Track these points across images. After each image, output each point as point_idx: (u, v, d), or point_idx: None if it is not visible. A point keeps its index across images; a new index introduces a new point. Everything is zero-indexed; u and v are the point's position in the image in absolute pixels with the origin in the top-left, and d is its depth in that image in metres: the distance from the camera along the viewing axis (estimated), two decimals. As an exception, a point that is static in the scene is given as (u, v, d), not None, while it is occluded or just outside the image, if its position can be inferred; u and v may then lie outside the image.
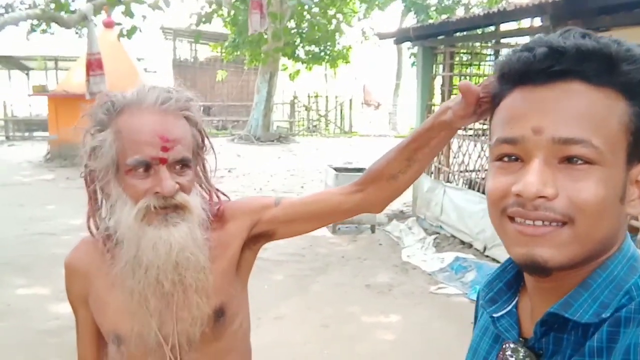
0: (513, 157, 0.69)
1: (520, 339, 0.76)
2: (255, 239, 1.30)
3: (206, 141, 1.24)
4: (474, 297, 5.07)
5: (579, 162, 0.64)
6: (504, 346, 0.77)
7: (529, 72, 0.68)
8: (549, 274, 0.68)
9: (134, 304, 1.16)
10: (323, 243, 6.88)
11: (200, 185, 1.25)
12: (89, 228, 1.24)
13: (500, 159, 0.71)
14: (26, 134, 19.07)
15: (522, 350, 0.73)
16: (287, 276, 5.73)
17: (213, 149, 1.28)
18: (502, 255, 5.78)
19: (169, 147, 1.10)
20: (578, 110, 0.65)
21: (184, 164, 1.14)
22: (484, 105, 0.92)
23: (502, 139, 0.70)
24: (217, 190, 1.30)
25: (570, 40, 0.66)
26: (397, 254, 6.52)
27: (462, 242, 6.57)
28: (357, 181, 1.26)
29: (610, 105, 0.65)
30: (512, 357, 0.74)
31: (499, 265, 0.83)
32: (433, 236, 6.91)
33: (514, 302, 0.80)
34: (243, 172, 12.17)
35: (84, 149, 1.17)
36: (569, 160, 0.65)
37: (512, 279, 0.81)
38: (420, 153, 1.14)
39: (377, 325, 4.64)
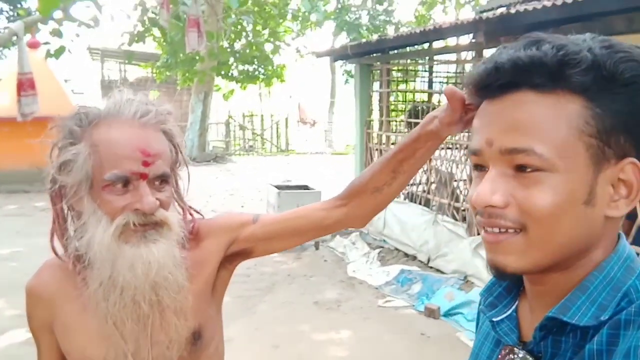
0: (484, 168, 0.71)
1: (520, 342, 0.75)
2: (232, 258, 1.25)
3: (180, 156, 1.18)
4: (421, 308, 5.16)
5: (528, 170, 0.65)
6: (503, 350, 0.76)
7: (480, 87, 0.71)
8: (511, 278, 0.71)
9: (107, 328, 1.09)
10: (268, 262, 6.80)
11: (177, 204, 1.19)
12: (53, 249, 1.15)
13: (475, 168, 0.73)
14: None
15: (521, 354, 0.73)
16: (233, 297, 5.61)
17: (187, 165, 1.22)
18: (446, 266, 5.90)
19: (150, 162, 1.05)
20: (521, 119, 0.66)
21: (163, 179, 1.08)
22: (470, 113, 0.92)
23: (470, 150, 0.73)
24: (191, 207, 1.24)
25: (508, 54, 0.67)
26: (343, 269, 6.53)
27: (406, 255, 6.66)
28: (339, 195, 1.23)
29: (559, 110, 0.65)
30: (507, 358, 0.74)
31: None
32: (377, 250, 6.97)
33: (513, 306, 0.80)
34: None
35: (53, 164, 1.08)
36: (520, 169, 0.66)
37: (511, 283, 0.81)
38: (406, 164, 1.12)
39: (328, 342, 4.61)
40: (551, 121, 0.65)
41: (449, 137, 1.12)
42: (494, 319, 0.79)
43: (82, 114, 1.08)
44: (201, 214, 1.27)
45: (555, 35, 0.68)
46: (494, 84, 0.68)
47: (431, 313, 4.97)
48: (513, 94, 0.67)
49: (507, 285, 0.81)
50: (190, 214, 1.23)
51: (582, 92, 0.65)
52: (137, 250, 1.05)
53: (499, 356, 0.77)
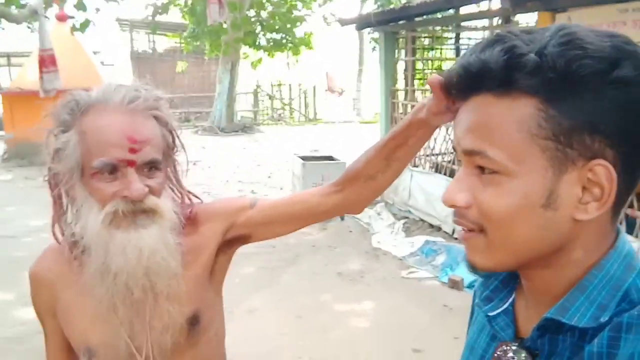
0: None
1: (517, 338, 0.74)
2: (230, 243, 1.25)
3: (177, 141, 1.18)
4: (445, 279, 5.16)
5: (486, 171, 0.66)
6: (499, 345, 0.76)
7: (451, 89, 0.73)
8: (482, 275, 0.73)
9: (103, 312, 1.11)
10: (293, 233, 6.83)
11: (172, 188, 1.20)
12: (54, 235, 1.17)
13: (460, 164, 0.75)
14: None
15: (517, 350, 0.72)
16: (258, 268, 5.69)
17: (184, 149, 1.22)
18: (471, 236, 5.84)
19: (137, 149, 1.05)
20: (477, 121, 0.66)
21: (153, 166, 1.08)
22: (458, 102, 0.90)
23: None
24: (189, 192, 1.24)
25: (464, 58, 0.67)
26: (368, 240, 6.54)
27: (431, 226, 6.63)
28: (335, 181, 1.22)
29: (510, 113, 0.63)
30: (507, 356, 0.73)
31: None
32: (402, 221, 6.95)
33: (510, 300, 0.78)
34: (208, 164, 12.02)
35: (47, 151, 1.10)
36: (480, 170, 0.67)
37: (507, 277, 0.80)
38: (399, 152, 1.11)
39: (350, 312, 4.65)
40: (504, 124, 0.64)
41: None
42: (490, 314, 0.78)
43: (73, 101, 1.08)
44: (200, 199, 1.27)
45: (524, 31, 0.66)
46: (456, 87, 0.70)
47: (455, 284, 4.97)
48: (476, 95, 0.67)
49: (503, 278, 0.80)
50: (190, 199, 1.24)
51: (535, 93, 0.62)
52: (127, 235, 1.06)
53: (495, 351, 0.76)
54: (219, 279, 1.28)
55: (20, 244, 6.32)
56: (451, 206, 0.69)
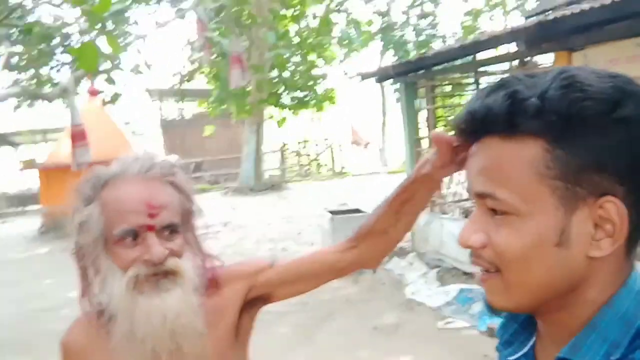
0: None
1: None
2: (252, 303, 1.27)
3: (195, 207, 1.22)
4: (484, 327, 5.01)
5: (498, 213, 0.67)
6: None
7: (461, 132, 0.73)
8: (502, 316, 0.75)
9: None
10: (326, 288, 6.71)
11: (193, 253, 1.23)
12: (81, 306, 1.20)
13: None
14: (19, 208, 19.00)
15: None
16: (292, 327, 5.63)
17: (203, 213, 1.25)
18: (507, 282, 5.70)
19: (155, 214, 1.09)
20: (486, 164, 0.68)
21: (172, 229, 1.12)
22: (462, 153, 0.92)
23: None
24: (210, 256, 1.27)
25: (471, 102, 0.69)
26: (401, 291, 6.44)
27: (465, 273, 6.50)
28: (350, 238, 1.25)
29: (518, 155, 0.65)
30: None
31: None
32: (435, 270, 6.84)
33: (530, 343, 0.78)
34: (239, 224, 12.11)
35: (72, 225, 1.15)
36: (492, 212, 0.68)
37: (526, 319, 0.79)
38: (407, 207, 1.14)
39: (388, 368, 4.54)
40: (512, 166, 0.65)
41: None
42: (510, 358, 0.78)
43: (95, 177, 1.15)
44: (221, 262, 1.29)
45: (528, 75, 0.68)
46: (466, 131, 0.71)
47: (494, 333, 4.81)
48: (485, 138, 0.68)
49: (523, 321, 0.79)
50: (211, 263, 1.26)
51: (540, 135, 0.63)
52: (150, 300, 1.08)
53: None
54: (244, 340, 1.28)
55: (57, 316, 6.39)
56: (467, 247, 0.70)
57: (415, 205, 1.14)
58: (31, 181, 18.54)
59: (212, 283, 1.23)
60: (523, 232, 0.65)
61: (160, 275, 1.10)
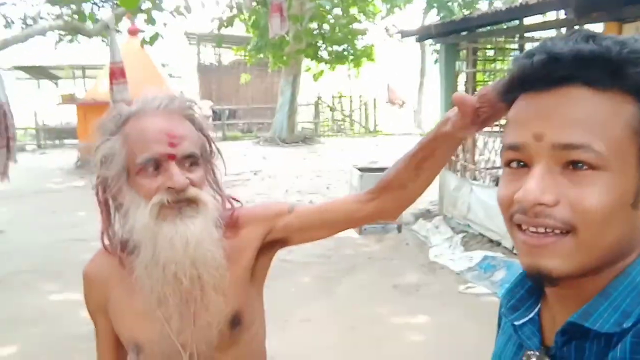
0: (521, 163, 0.68)
1: (543, 347, 0.74)
2: (270, 246, 1.30)
3: (213, 147, 1.25)
4: (504, 296, 5.01)
5: (583, 167, 0.63)
6: (525, 354, 0.76)
7: (530, 79, 0.68)
8: (556, 284, 0.67)
9: (152, 309, 1.17)
10: (349, 244, 6.86)
11: (213, 192, 1.25)
12: (102, 242, 1.25)
13: (508, 164, 0.70)
14: (57, 141, 19.45)
15: (542, 358, 0.72)
16: (313, 278, 5.73)
17: (220, 153, 1.28)
18: (532, 253, 5.67)
19: (176, 143, 1.13)
20: (578, 115, 0.64)
21: (192, 161, 1.16)
22: (484, 114, 0.93)
23: (507, 145, 0.70)
24: (230, 196, 1.30)
25: (568, 46, 0.64)
26: (425, 253, 6.47)
27: (491, 241, 6.48)
28: (370, 189, 1.27)
29: (615, 109, 0.63)
30: None
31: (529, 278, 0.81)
32: (461, 235, 6.83)
33: (536, 309, 0.78)
34: (269, 174, 12.21)
35: (95, 160, 1.19)
36: (573, 166, 0.64)
37: (533, 286, 0.79)
38: (427, 163, 1.16)
39: (405, 326, 4.61)
40: (609, 119, 0.63)
41: None
42: (516, 323, 0.78)
43: (117, 113, 1.19)
44: (240, 202, 1.32)
45: (607, 34, 0.66)
46: (551, 75, 0.65)
47: (513, 301, 4.83)
48: (565, 88, 0.65)
49: (529, 287, 0.80)
50: (231, 203, 1.29)
51: (635, 92, 0.63)
52: (174, 226, 1.12)
53: None
54: (260, 281, 1.32)
55: (89, 247, 6.58)
56: (535, 204, 0.64)
57: (435, 162, 1.15)
58: (70, 116, 18.90)
59: (232, 223, 1.26)
60: (608, 189, 0.63)
61: (183, 202, 1.13)
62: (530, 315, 0.78)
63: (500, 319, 0.91)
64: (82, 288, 1.32)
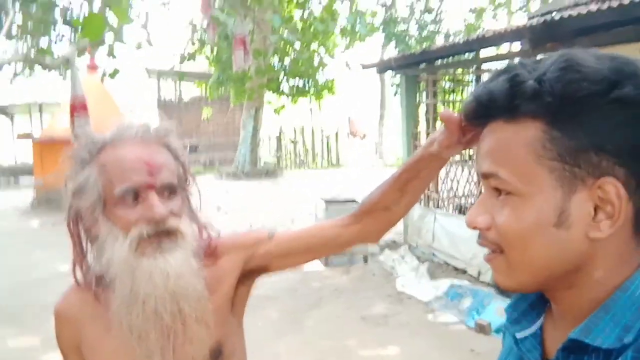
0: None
1: None
2: (249, 274, 1.27)
3: (189, 175, 1.22)
4: (472, 323, 5.04)
5: (502, 193, 0.69)
6: None
7: (468, 118, 0.77)
8: (509, 295, 0.76)
9: (131, 345, 1.11)
10: (316, 276, 6.80)
11: (190, 218, 1.22)
12: (74, 276, 1.19)
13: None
14: (12, 180, 18.90)
15: None
16: (281, 312, 5.64)
17: (196, 182, 1.25)
18: (497, 279, 5.72)
19: (155, 172, 1.10)
20: (490, 146, 0.70)
21: (171, 190, 1.13)
22: (469, 133, 0.94)
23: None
24: (207, 226, 1.26)
25: (484, 86, 0.71)
26: (392, 283, 6.46)
27: (456, 269, 6.53)
28: (352, 213, 1.26)
29: (520, 135, 0.67)
30: None
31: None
32: (426, 264, 6.86)
33: (538, 323, 0.79)
34: (233, 209, 12.10)
35: (68, 190, 1.14)
36: (497, 192, 0.70)
37: (536, 300, 0.80)
38: (411, 184, 1.16)
39: (375, 358, 4.56)
40: (512, 147, 0.68)
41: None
42: (518, 336, 0.79)
43: (90, 141, 1.14)
44: (217, 232, 1.29)
45: (535, 61, 0.70)
46: (478, 114, 0.73)
47: (482, 329, 4.85)
48: (491, 122, 0.71)
49: (532, 301, 0.81)
50: (208, 233, 1.25)
51: (538, 117, 0.66)
52: (154, 261, 1.08)
53: None
54: (240, 310, 1.29)
55: (47, 289, 6.38)
56: (473, 228, 0.72)
57: (420, 183, 1.16)
58: (25, 154, 18.43)
59: (210, 252, 1.23)
60: (523, 212, 0.67)
61: (162, 234, 1.09)
62: (533, 329, 0.78)
63: (504, 333, 0.91)
64: (42, 332, 1.25)
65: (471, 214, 0.72)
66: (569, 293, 0.70)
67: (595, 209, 0.65)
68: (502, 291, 0.75)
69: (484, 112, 0.71)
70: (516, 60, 6.85)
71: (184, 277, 1.09)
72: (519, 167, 0.66)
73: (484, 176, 0.71)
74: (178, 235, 1.11)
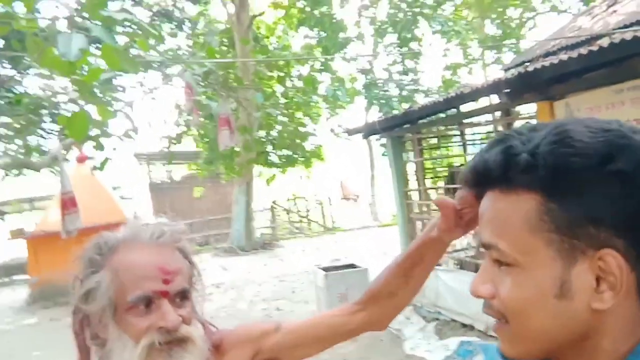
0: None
1: None
2: None
3: (196, 272, 1.20)
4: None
5: (502, 264, 0.69)
6: None
7: (468, 186, 0.77)
8: None
9: None
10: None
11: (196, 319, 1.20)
12: None
13: None
14: (6, 279, 18.61)
15: None
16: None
17: (202, 278, 1.23)
18: (506, 332, 5.61)
19: (170, 280, 1.07)
20: (489, 216, 0.70)
21: (184, 296, 1.10)
22: (467, 216, 0.96)
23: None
24: (206, 321, 1.24)
25: (479, 157, 0.71)
26: (400, 347, 6.31)
27: (464, 325, 6.41)
28: (358, 300, 1.25)
29: (515, 207, 0.67)
30: None
31: None
32: (433, 323, 6.74)
33: None
34: (231, 286, 11.93)
35: (76, 294, 1.10)
36: (499, 262, 0.69)
37: None
38: (416, 269, 1.16)
39: None
40: (509, 218, 0.67)
41: None
42: None
43: (102, 242, 1.11)
44: (216, 327, 1.27)
45: (530, 128, 0.70)
46: (475, 184, 0.74)
47: (497, 386, 4.71)
48: (488, 191, 0.71)
49: None
50: (209, 328, 1.23)
51: (534, 189, 0.65)
52: None
53: None
54: None
55: (46, 390, 6.17)
56: (477, 297, 0.72)
57: (425, 268, 1.16)
58: (19, 251, 18.24)
59: (214, 348, 1.19)
60: (523, 284, 0.66)
61: (174, 343, 1.07)
62: None
63: None
64: None
65: (474, 283, 0.72)
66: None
67: (598, 279, 0.64)
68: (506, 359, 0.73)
69: (481, 180, 0.72)
70: (497, 113, 6.93)
71: None
72: (517, 239, 0.66)
73: (484, 246, 0.71)
74: (189, 342, 1.08)
